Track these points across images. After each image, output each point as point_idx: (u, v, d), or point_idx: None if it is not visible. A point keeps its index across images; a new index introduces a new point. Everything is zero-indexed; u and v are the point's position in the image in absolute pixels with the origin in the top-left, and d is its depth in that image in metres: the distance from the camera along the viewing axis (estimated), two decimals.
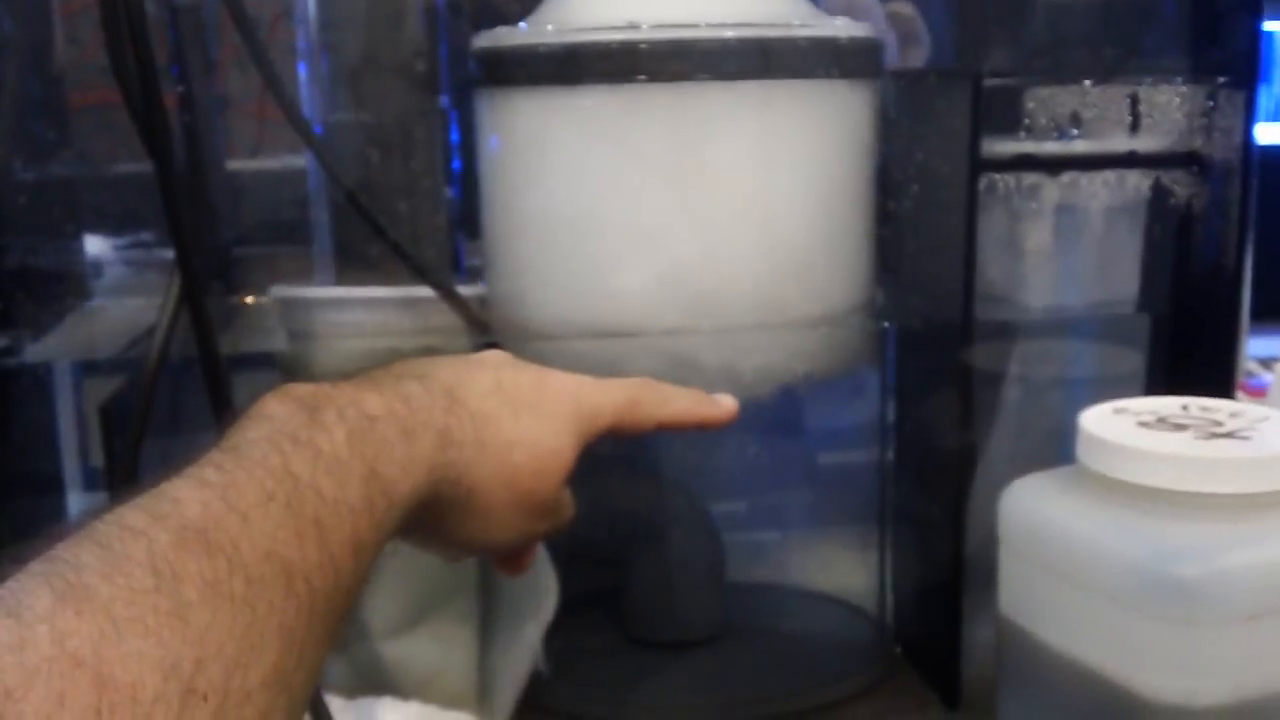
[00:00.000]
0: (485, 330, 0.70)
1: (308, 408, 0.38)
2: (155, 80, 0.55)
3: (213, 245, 0.80)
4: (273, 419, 0.38)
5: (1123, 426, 0.58)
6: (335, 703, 0.63)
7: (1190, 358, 0.74)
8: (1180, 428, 0.58)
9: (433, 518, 0.44)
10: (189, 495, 0.33)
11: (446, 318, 0.71)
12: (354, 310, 0.71)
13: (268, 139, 0.86)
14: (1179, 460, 0.54)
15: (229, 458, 0.35)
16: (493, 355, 0.50)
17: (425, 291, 0.70)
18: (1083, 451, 0.58)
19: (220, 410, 0.59)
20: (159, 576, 0.30)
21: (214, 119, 0.83)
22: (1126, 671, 0.54)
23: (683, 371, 0.71)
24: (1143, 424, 0.58)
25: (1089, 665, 0.56)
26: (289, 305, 0.74)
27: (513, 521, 0.47)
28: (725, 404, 0.55)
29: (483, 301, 0.75)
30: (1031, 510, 0.61)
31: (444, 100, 0.80)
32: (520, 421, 0.46)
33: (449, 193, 0.80)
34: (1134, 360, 0.76)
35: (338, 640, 0.36)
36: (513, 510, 0.47)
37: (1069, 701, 0.58)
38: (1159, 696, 0.52)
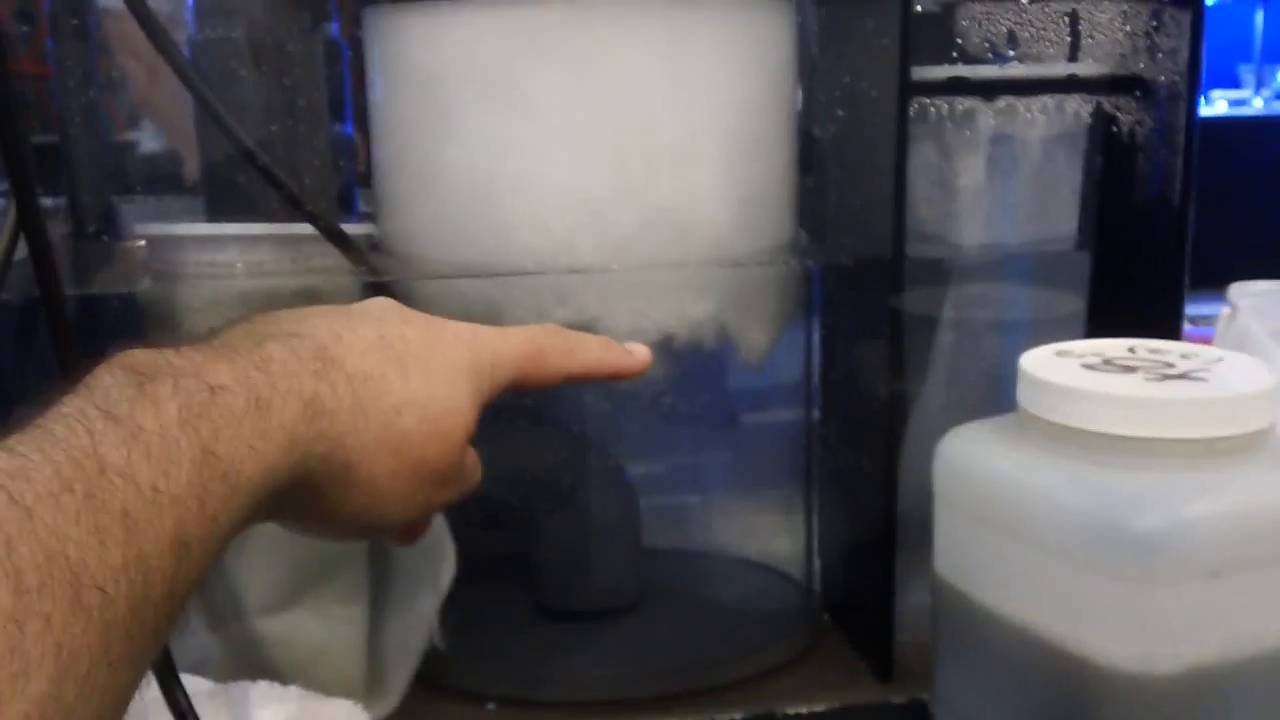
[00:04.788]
0: (370, 269, 0.64)
1: (138, 377, 0.33)
2: None
3: (92, 193, 0.73)
4: (93, 391, 0.32)
5: (1067, 369, 0.54)
6: (203, 686, 0.57)
7: (1134, 298, 0.70)
8: (1129, 370, 0.53)
9: (306, 497, 0.38)
10: None
11: (330, 258, 0.64)
12: (226, 248, 0.64)
13: None
14: (1132, 403, 0.50)
15: (28, 437, 0.30)
16: (377, 304, 0.44)
17: (305, 229, 0.64)
18: (1024, 396, 0.54)
19: (66, 360, 0.52)
20: None
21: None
22: (1077, 636, 0.49)
23: (586, 316, 0.66)
24: (1088, 366, 0.54)
25: (1035, 630, 0.51)
26: (156, 244, 0.67)
27: (406, 493, 0.42)
28: (639, 353, 0.51)
29: (372, 243, 0.69)
30: (970, 461, 0.56)
31: (333, 29, 0.74)
32: (409, 380, 0.41)
33: (339, 128, 0.75)
34: (1074, 301, 0.72)
35: (150, 657, 0.31)
36: (405, 481, 0.41)
37: (1013, 670, 0.53)
38: (1113, 663, 0.48)
